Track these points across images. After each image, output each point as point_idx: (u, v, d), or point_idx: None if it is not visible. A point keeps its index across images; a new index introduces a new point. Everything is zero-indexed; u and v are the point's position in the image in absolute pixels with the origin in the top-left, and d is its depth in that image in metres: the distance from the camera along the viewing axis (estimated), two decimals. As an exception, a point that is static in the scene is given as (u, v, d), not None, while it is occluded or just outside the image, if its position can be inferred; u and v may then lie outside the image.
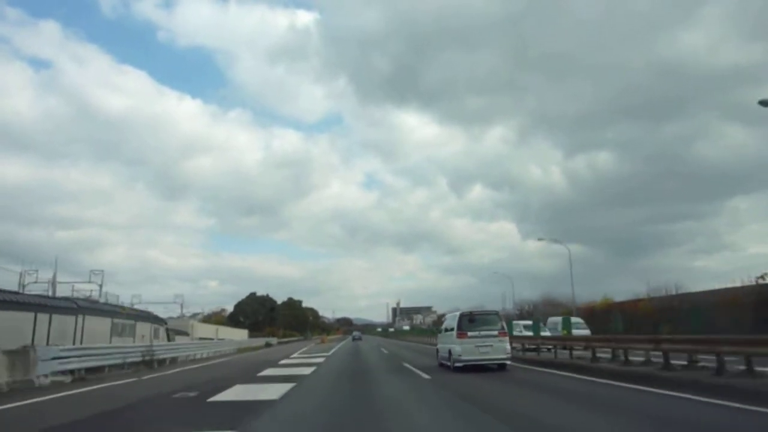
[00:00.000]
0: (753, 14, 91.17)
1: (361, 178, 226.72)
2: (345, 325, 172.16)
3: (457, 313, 16.88)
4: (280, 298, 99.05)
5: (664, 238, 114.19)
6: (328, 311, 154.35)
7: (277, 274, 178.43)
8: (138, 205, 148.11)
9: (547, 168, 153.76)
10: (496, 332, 15.35)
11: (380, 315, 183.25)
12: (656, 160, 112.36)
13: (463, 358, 15.03)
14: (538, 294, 73.15)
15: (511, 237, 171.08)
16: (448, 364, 15.85)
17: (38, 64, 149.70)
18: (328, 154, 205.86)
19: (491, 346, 15.05)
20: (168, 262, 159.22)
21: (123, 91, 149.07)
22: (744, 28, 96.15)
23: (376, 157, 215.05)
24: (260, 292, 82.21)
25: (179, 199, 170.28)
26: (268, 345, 53.65)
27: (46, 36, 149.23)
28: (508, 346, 15.55)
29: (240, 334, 56.20)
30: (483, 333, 15.26)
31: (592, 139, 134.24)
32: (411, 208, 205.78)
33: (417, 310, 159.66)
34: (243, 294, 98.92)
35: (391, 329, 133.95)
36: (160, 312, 62.35)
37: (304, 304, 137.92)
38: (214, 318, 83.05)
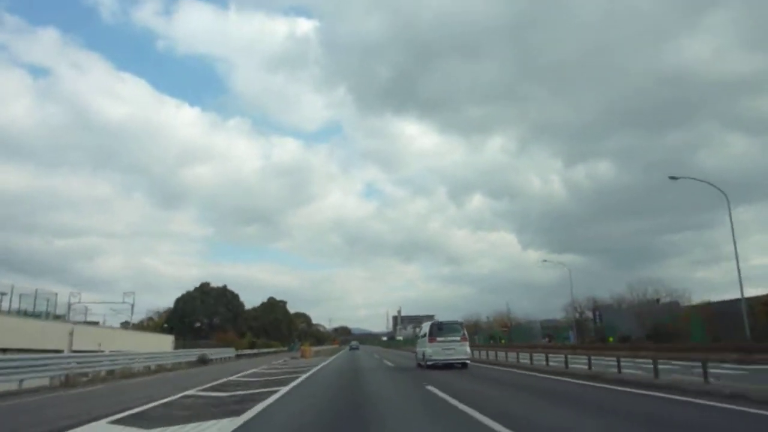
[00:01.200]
0: (757, 23, 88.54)
1: (361, 187, 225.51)
2: (342, 335, 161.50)
3: (429, 323, 22.05)
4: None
5: (664, 248, 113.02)
6: (326, 321, 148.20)
7: (276, 283, 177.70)
8: (136, 214, 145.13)
9: (547, 177, 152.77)
10: (458, 338, 19.87)
11: (379, 325, 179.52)
12: (657, 169, 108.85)
13: (433, 358, 19.34)
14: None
15: (511, 247, 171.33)
16: (423, 363, 20.49)
17: (37, 71, 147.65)
18: (327, 164, 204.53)
19: (454, 348, 19.43)
20: (166, 271, 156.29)
21: (122, 98, 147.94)
22: (747, 37, 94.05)
23: (375, 166, 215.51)
24: (215, 284, 58.13)
25: (177, 208, 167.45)
26: (202, 362, 29.91)
27: (45, 43, 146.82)
28: (468, 349, 20.15)
29: (154, 343, 32.30)
30: (448, 339, 19.71)
31: (593, 148, 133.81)
32: (410, 218, 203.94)
33: (419, 319, 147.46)
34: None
35: (400, 337, 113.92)
36: (103, 316, 39.79)
37: (306, 314, 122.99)
38: (159, 321, 58.96)
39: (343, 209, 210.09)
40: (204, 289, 56.89)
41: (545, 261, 60.91)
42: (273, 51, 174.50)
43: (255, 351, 53.96)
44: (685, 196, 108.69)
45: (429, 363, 19.38)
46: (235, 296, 59.82)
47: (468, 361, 19.84)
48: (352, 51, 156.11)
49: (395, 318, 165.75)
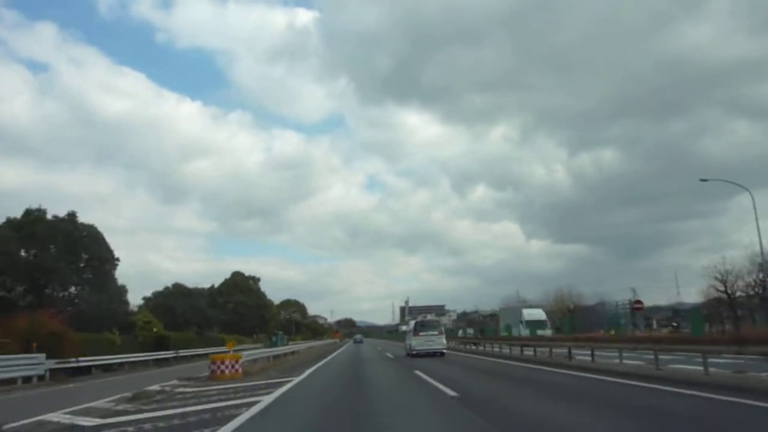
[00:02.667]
0: (760, 7, 79.55)
1: (363, 179, 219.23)
2: (345, 327, 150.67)
3: (414, 321, 27.74)
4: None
5: (669, 237, 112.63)
6: (327, 312, 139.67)
7: (279, 277, 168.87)
8: (138, 209, 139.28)
9: (551, 167, 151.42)
10: (436, 333, 24.19)
11: (384, 318, 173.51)
12: (661, 157, 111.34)
13: (417, 348, 23.46)
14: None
15: (515, 237, 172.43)
16: (409, 352, 24.58)
17: (36, 66, 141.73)
18: (329, 156, 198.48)
19: (433, 341, 23.64)
20: (169, 266, 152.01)
21: (122, 93, 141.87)
22: (751, 21, 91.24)
23: (377, 158, 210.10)
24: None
25: (180, 203, 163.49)
26: None
27: (43, 38, 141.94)
28: (444, 341, 24.23)
29: None
30: (429, 333, 23.99)
31: (596, 136, 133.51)
32: (413, 210, 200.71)
33: (428, 309, 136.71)
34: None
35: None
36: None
37: (299, 302, 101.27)
38: None
39: (345, 201, 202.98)
40: (21, 224, 25.52)
41: (705, 180, 33.95)
42: (273, 42, 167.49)
43: (170, 354, 26.75)
44: (691, 183, 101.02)
45: (413, 352, 23.54)
46: (98, 240, 28.40)
47: (444, 351, 23.85)
48: (353, 41, 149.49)
49: (402, 309, 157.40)
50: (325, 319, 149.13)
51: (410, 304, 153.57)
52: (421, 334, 23.87)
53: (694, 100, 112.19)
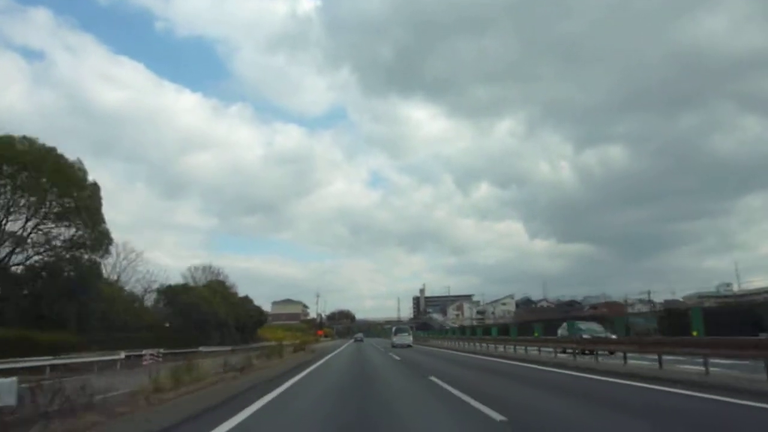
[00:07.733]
0: None
1: (366, 175, 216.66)
2: (338, 322, 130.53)
3: (395, 327, 51.05)
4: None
5: (674, 237, 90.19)
6: (315, 304, 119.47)
7: (280, 274, 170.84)
8: (138, 205, 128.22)
9: (556, 164, 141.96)
10: (407, 333, 43.36)
11: (386, 315, 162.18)
12: (669, 154, 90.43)
13: (396, 343, 40.05)
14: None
15: (518, 236, 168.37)
16: (392, 345, 40.11)
17: (30, 54, 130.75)
18: (331, 151, 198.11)
19: (405, 338, 41.24)
20: (169, 263, 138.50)
21: (120, 83, 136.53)
22: (765, 10, 51.34)
23: (380, 153, 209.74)
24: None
25: (180, 198, 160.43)
26: None
27: (38, 25, 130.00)
28: (411, 338, 43.11)
29: None
30: (403, 334, 42.59)
31: (604, 132, 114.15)
32: (416, 207, 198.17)
33: (454, 299, 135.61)
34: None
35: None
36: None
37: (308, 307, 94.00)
38: None
39: (347, 198, 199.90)
40: None
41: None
42: (274, 31, 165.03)
43: None
44: (698, 182, 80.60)
45: (394, 346, 38.45)
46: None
47: (411, 345, 39.97)
48: (355, 29, 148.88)
49: (417, 299, 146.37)
50: (305, 308, 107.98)
51: (426, 295, 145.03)
52: (398, 335, 42.45)
53: (707, 93, 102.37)
